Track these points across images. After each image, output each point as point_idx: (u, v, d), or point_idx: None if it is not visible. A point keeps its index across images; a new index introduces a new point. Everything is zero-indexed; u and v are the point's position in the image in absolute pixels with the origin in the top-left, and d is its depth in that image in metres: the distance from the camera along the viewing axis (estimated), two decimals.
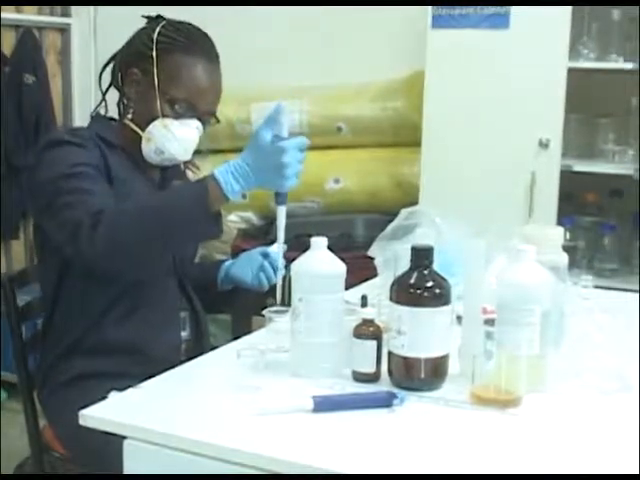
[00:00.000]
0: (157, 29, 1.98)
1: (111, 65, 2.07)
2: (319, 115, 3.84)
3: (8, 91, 4.23)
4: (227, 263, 2.19)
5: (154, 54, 1.95)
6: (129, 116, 1.99)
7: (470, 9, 3.33)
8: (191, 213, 1.72)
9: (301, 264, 1.67)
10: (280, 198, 1.79)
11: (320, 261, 1.66)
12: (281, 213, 1.80)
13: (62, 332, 1.97)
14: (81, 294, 1.94)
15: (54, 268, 1.95)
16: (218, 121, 2.02)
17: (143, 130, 1.94)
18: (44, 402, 2.01)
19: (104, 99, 2.08)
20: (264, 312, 1.80)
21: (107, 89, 2.07)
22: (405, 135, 3.78)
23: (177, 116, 1.93)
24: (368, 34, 3.98)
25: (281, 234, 1.81)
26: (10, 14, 4.31)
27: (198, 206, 1.71)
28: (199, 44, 1.99)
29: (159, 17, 2.04)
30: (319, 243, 1.67)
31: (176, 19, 2.05)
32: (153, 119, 1.93)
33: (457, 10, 3.36)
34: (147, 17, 2.05)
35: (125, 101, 2.03)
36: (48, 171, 1.83)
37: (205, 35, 2.03)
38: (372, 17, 3.94)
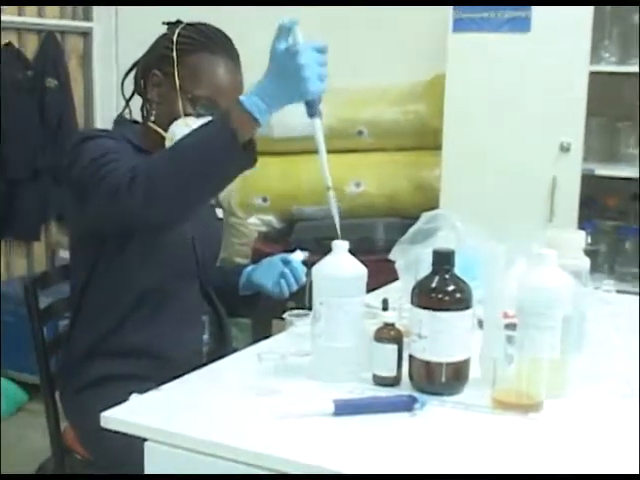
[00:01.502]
0: (177, 31, 2.00)
1: (133, 72, 2.07)
2: (340, 118, 3.83)
3: (31, 94, 4.26)
4: (248, 269, 2.19)
5: (174, 54, 1.96)
6: (152, 118, 1.99)
7: (491, 12, 3.32)
8: (218, 140, 1.66)
9: (322, 267, 1.66)
10: (310, 109, 1.69)
11: (341, 264, 1.66)
12: (317, 127, 1.72)
13: (85, 334, 1.98)
14: (105, 296, 1.95)
15: (84, 265, 1.96)
16: None
17: (166, 131, 1.94)
18: (66, 404, 2.01)
19: (128, 105, 2.09)
20: (285, 315, 1.80)
21: (131, 96, 2.08)
22: (426, 139, 3.78)
23: (199, 115, 1.94)
24: (388, 38, 3.98)
25: (322, 148, 1.73)
26: (33, 18, 4.35)
27: (223, 133, 1.65)
28: (219, 43, 2.00)
29: (179, 22, 2.05)
30: (340, 246, 1.67)
31: (196, 21, 2.06)
32: (175, 119, 1.93)
33: (478, 13, 3.36)
34: (167, 23, 2.06)
35: (148, 105, 2.04)
36: (85, 159, 1.81)
37: (224, 34, 2.04)
38: (392, 21, 3.94)
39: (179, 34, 2.00)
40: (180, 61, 1.96)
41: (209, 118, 1.88)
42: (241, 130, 1.65)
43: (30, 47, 4.37)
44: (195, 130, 1.73)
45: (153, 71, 2.00)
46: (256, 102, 1.64)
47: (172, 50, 1.97)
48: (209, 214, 2.13)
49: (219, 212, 2.19)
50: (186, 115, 1.94)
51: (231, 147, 1.65)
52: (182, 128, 1.89)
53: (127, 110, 2.08)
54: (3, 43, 4.19)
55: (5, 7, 4.18)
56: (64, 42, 4.54)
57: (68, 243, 2.08)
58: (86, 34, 4.64)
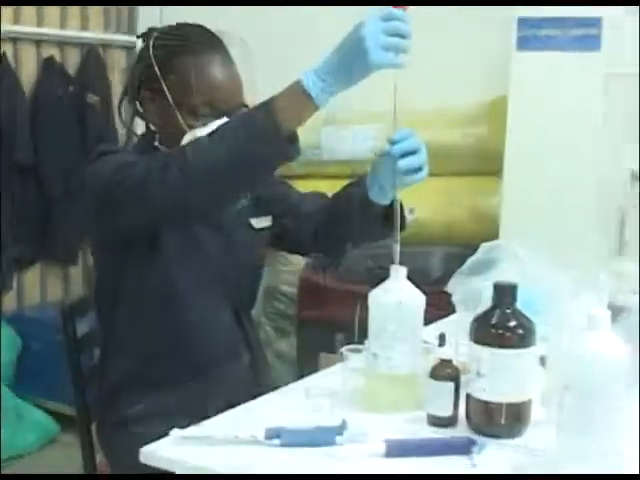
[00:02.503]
0: (151, 43, 1.95)
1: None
2: None
3: (71, 110, 4.32)
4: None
5: (156, 69, 1.91)
6: (155, 143, 1.97)
7: (558, 30, 3.31)
8: (260, 131, 1.63)
9: (379, 294, 1.68)
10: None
11: (401, 290, 1.68)
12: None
13: (117, 366, 2.00)
14: (134, 326, 1.96)
15: (109, 295, 1.97)
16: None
17: None
18: (103, 437, 2.03)
19: (131, 131, 2.04)
20: (342, 350, 1.79)
21: (131, 121, 2.02)
22: (485, 163, 3.76)
23: (204, 121, 1.88)
24: (447, 58, 3.98)
25: None
26: (75, 32, 4.42)
27: (266, 123, 1.61)
28: (197, 40, 1.94)
29: (151, 30, 1.99)
30: (399, 271, 1.68)
31: (171, 24, 2.01)
32: (183, 134, 1.89)
33: (544, 31, 3.34)
34: (140, 35, 2.02)
35: (150, 127, 2.00)
36: (100, 168, 1.81)
37: (200, 28, 1.98)
38: (454, 42, 3.94)
39: (154, 45, 1.94)
40: (163, 74, 1.91)
41: (216, 121, 1.86)
42: (292, 112, 1.62)
43: (72, 61, 4.44)
44: (239, 115, 1.72)
45: (143, 94, 1.96)
46: (313, 80, 1.59)
47: (152, 66, 1.92)
48: (238, 226, 2.05)
49: (262, 221, 2.11)
50: (190, 127, 1.89)
51: (273, 138, 1.62)
52: None
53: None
54: (44, 57, 4.28)
55: (48, 20, 4.26)
56: (106, 56, 4.61)
57: (94, 272, 2.07)
58: (129, 48, 4.70)
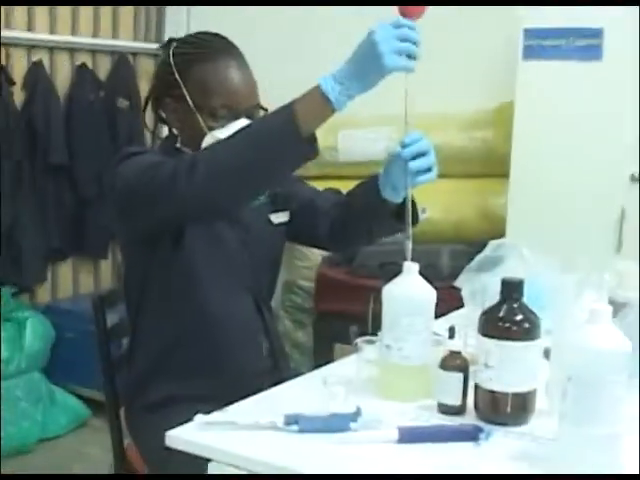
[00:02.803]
0: (170, 52, 1.97)
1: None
2: None
3: (102, 115, 4.33)
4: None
5: (177, 77, 1.93)
6: (177, 145, 1.98)
7: (562, 40, 3.30)
8: (280, 133, 1.65)
9: (393, 288, 1.69)
10: None
11: (412, 285, 1.68)
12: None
13: (144, 354, 2.00)
14: (159, 315, 1.96)
15: (137, 285, 1.98)
16: (265, 110, 1.94)
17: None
18: (131, 422, 2.03)
19: (155, 135, 2.09)
20: (357, 341, 1.79)
21: (155, 125, 2.07)
22: (492, 166, 3.76)
23: (223, 123, 1.90)
24: (458, 64, 3.97)
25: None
26: (106, 40, 4.44)
27: (287, 125, 1.63)
28: (214, 47, 1.96)
29: (170, 40, 2.02)
30: (411, 267, 1.69)
31: (188, 34, 2.05)
32: (203, 136, 1.90)
33: (548, 41, 3.33)
34: (162, 46, 2.04)
35: (173, 130, 2.02)
36: (129, 168, 1.82)
37: (217, 36, 2.00)
38: (462, 47, 3.93)
39: (174, 54, 1.97)
40: (184, 81, 1.93)
41: (234, 123, 1.88)
42: (312, 115, 1.63)
43: (103, 68, 4.46)
44: (261, 118, 1.72)
45: (165, 100, 1.98)
46: (331, 84, 1.61)
47: (173, 73, 1.94)
48: (258, 221, 2.05)
49: (280, 216, 2.11)
50: (210, 129, 1.91)
51: (293, 140, 1.63)
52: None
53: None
54: (77, 64, 4.29)
55: (81, 29, 4.28)
56: (136, 63, 4.62)
57: (122, 267, 2.08)
58: (157, 56, 4.69)
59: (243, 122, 1.88)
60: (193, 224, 1.89)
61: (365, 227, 2.05)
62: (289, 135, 1.63)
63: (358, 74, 1.61)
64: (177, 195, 1.72)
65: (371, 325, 1.72)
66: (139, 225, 1.87)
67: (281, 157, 1.68)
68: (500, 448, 1.47)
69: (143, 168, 1.79)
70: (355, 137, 3.94)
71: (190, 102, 1.92)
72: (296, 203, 2.12)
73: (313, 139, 1.67)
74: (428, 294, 1.69)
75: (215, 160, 1.70)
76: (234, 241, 1.98)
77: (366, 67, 1.60)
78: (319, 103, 1.62)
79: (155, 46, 4.58)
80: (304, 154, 1.68)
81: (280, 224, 2.11)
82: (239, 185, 1.71)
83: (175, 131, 2.01)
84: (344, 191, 2.14)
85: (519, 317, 1.55)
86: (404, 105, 1.76)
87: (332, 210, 2.09)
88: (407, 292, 1.68)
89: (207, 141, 1.89)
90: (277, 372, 2.00)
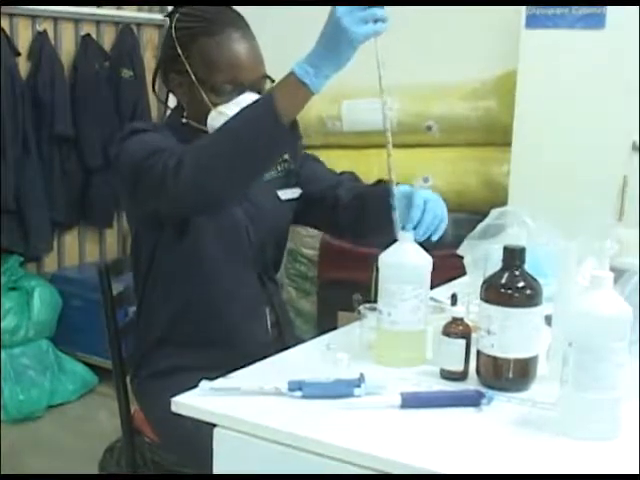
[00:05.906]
0: (173, 25, 1.94)
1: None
2: (409, 113, 3.82)
3: (107, 85, 4.32)
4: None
5: (179, 51, 1.90)
6: (183, 120, 1.95)
7: (565, 9, 3.27)
8: (262, 123, 1.63)
9: (387, 255, 1.69)
10: None
11: (406, 252, 1.69)
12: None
13: (151, 324, 2.00)
14: (166, 285, 1.96)
15: (145, 254, 1.97)
16: (273, 80, 1.91)
17: (205, 125, 1.90)
18: (137, 389, 2.03)
19: (166, 107, 2.06)
20: (360, 308, 1.79)
21: (166, 98, 2.05)
22: (495, 135, 3.75)
23: (228, 98, 1.87)
24: (460, 33, 3.95)
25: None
26: (111, 10, 4.41)
27: (267, 115, 1.62)
28: (218, 20, 1.91)
29: (174, 11, 1.97)
30: (405, 236, 1.71)
31: (189, 6, 1.97)
32: (208, 111, 1.88)
33: (551, 10, 3.31)
34: (167, 15, 2.00)
35: (181, 105, 1.99)
36: (133, 149, 1.81)
37: (222, 7, 1.96)
38: (464, 17, 3.90)
39: (176, 27, 1.93)
40: (186, 55, 1.90)
41: (239, 97, 1.87)
42: (291, 102, 1.62)
43: (108, 39, 4.44)
44: (242, 110, 1.70)
45: (170, 75, 1.95)
46: (305, 68, 1.60)
47: (175, 48, 1.91)
48: (266, 197, 2.03)
49: (288, 193, 2.08)
50: (214, 105, 1.88)
51: (275, 129, 1.62)
52: (218, 119, 1.84)
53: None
54: (82, 34, 4.27)
55: None
56: (140, 34, 4.59)
57: (130, 232, 2.08)
58: (161, 26, 4.67)
59: (248, 97, 1.85)
60: (197, 218, 1.88)
61: (378, 229, 1.94)
62: (271, 125, 1.62)
63: (329, 53, 1.59)
64: (168, 195, 1.72)
65: (373, 293, 1.72)
66: (142, 207, 1.88)
67: (265, 147, 1.67)
68: (502, 413, 1.47)
69: (146, 153, 1.77)
70: (359, 107, 3.92)
71: (193, 77, 1.89)
72: (316, 188, 2.09)
73: (295, 125, 1.67)
74: (421, 261, 1.69)
75: (200, 156, 1.69)
76: (240, 215, 1.97)
77: (336, 44, 1.58)
78: (296, 89, 1.61)
79: (159, 17, 4.57)
80: (288, 141, 1.68)
81: (288, 200, 2.08)
82: (226, 179, 1.69)
83: (182, 105, 1.99)
84: (350, 164, 2.10)
85: (521, 284, 1.55)
86: (378, 74, 1.73)
87: (354, 202, 2.05)
88: (398, 260, 1.68)
89: (212, 116, 1.87)
90: (282, 342, 2.00)
